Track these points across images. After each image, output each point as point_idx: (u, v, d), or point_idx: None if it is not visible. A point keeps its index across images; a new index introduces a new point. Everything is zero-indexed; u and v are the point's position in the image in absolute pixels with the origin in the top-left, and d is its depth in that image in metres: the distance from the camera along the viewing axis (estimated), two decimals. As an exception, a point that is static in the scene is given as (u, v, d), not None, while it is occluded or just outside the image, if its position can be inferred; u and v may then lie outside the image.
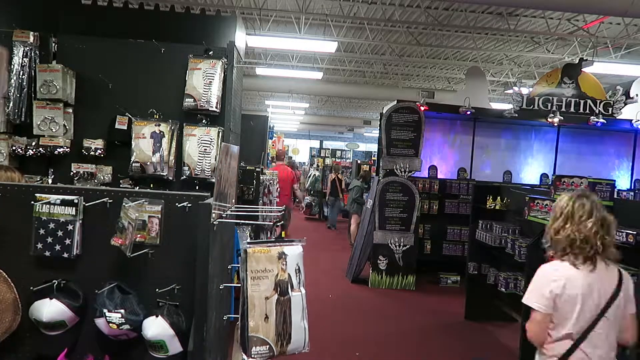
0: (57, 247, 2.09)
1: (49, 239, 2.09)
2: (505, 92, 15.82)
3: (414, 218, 7.50)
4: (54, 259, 2.10)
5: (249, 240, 2.02)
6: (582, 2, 6.60)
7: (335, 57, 14.42)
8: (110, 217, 2.08)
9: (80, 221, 2.11)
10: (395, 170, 7.51)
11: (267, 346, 1.92)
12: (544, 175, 8.67)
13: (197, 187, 3.42)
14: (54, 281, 2.11)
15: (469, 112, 7.68)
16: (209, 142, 3.40)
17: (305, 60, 14.70)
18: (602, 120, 7.62)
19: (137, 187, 3.32)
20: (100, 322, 2.02)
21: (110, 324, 1.98)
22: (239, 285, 1.97)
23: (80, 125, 3.48)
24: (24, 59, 3.30)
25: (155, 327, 2.00)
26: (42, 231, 2.09)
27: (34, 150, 3.35)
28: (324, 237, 11.83)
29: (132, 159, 3.37)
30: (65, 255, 2.10)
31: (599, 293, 2.29)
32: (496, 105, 12.27)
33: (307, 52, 13.41)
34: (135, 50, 3.53)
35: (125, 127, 3.45)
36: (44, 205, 2.09)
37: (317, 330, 5.30)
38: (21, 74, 3.30)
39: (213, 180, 3.29)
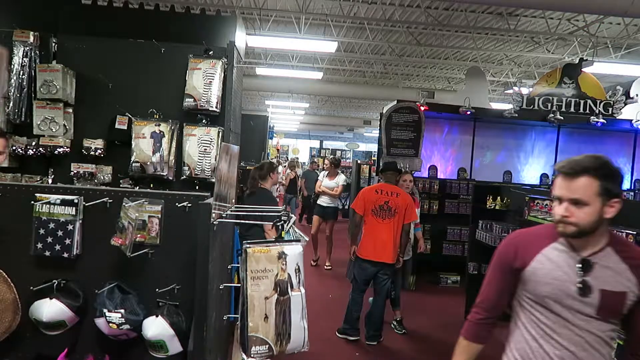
0: (57, 247, 2.09)
1: (49, 239, 2.09)
2: (505, 92, 15.81)
3: (413, 218, 7.49)
4: (54, 259, 2.10)
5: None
6: (582, 2, 6.59)
7: (335, 57, 14.41)
8: (110, 217, 2.09)
9: (80, 221, 2.12)
10: (396, 170, 7.50)
11: (267, 346, 1.92)
12: (544, 175, 8.66)
13: (197, 187, 3.42)
14: (54, 281, 2.11)
15: (469, 112, 7.68)
16: (209, 142, 3.40)
17: (305, 60, 14.70)
18: (602, 120, 7.62)
19: (137, 187, 3.32)
20: (100, 322, 2.03)
21: (110, 324, 1.98)
22: (239, 285, 1.97)
23: (80, 125, 3.49)
24: (24, 59, 3.31)
25: (155, 327, 2.00)
26: (42, 231, 2.09)
27: (34, 150, 3.35)
28: (323, 238, 11.81)
29: (132, 159, 3.37)
30: (65, 255, 2.10)
31: None
32: (496, 105, 12.28)
33: (307, 52, 13.40)
34: (135, 50, 3.53)
35: (125, 127, 3.46)
36: (44, 205, 2.09)
37: (317, 330, 5.32)
38: (21, 74, 3.30)
39: (213, 180, 3.29)
